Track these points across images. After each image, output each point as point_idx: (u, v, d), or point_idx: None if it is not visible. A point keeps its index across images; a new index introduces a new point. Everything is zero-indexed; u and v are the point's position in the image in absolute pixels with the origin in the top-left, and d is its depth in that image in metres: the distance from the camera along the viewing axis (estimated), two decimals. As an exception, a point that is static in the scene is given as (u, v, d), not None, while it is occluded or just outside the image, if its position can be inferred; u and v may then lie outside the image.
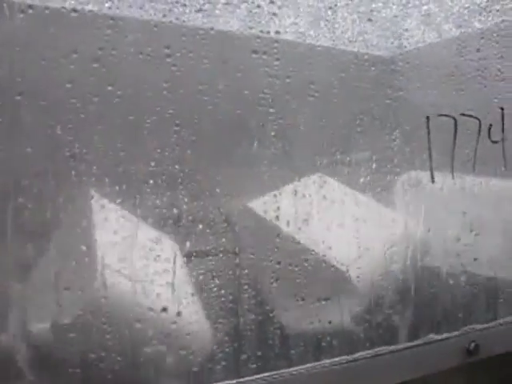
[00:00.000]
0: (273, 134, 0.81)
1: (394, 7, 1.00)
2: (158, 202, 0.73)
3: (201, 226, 0.76)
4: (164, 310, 0.71)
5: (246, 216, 0.81)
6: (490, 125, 1.04)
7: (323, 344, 0.87)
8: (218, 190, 0.78)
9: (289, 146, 0.82)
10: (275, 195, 0.82)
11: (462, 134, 1.00)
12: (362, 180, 0.91)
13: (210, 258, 0.77)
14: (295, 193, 0.83)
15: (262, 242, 0.82)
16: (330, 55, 0.88)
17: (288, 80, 0.83)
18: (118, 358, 0.70)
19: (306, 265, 0.84)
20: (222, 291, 0.78)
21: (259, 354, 0.81)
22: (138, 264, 0.71)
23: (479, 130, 1.02)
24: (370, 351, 0.92)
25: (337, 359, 0.88)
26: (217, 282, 0.78)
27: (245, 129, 0.80)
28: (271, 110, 0.81)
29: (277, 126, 0.81)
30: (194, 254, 0.76)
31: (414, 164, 0.97)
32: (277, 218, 0.82)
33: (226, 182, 0.79)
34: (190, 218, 0.75)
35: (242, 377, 0.79)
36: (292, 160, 0.83)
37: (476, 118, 1.02)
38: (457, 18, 1.10)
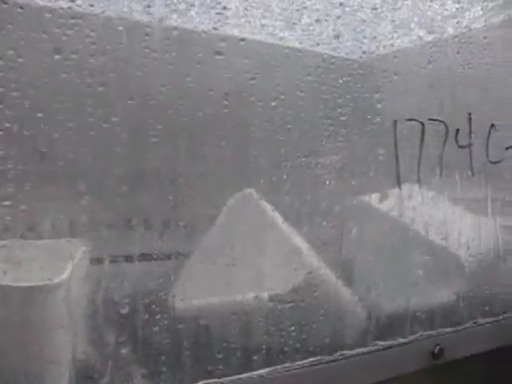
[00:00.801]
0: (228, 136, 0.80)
1: (365, 11, 1.01)
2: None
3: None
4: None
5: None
6: (457, 130, 1.05)
7: (285, 348, 0.87)
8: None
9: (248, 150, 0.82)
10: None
11: (430, 138, 1.01)
12: (327, 184, 0.91)
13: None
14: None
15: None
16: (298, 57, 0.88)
17: (253, 82, 0.82)
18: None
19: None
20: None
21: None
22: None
23: (446, 135, 1.03)
24: (332, 355, 0.92)
25: (300, 362, 0.88)
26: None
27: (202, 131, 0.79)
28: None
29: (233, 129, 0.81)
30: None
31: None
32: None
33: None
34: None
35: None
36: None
37: (443, 122, 1.03)
38: (427, 24, 1.11)
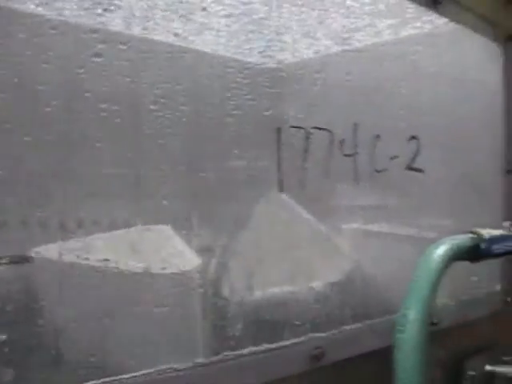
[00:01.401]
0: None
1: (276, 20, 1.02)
2: None
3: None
4: None
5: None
6: (343, 139, 1.08)
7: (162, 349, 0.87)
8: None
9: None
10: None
11: (315, 146, 1.03)
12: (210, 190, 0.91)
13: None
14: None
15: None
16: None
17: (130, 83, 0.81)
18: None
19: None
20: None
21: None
22: None
23: (331, 143, 1.05)
24: (215, 357, 0.93)
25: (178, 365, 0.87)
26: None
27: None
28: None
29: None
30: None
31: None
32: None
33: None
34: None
35: None
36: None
37: (329, 130, 1.05)
38: (334, 36, 1.13)
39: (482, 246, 1.00)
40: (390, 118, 1.19)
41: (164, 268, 0.84)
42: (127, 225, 0.82)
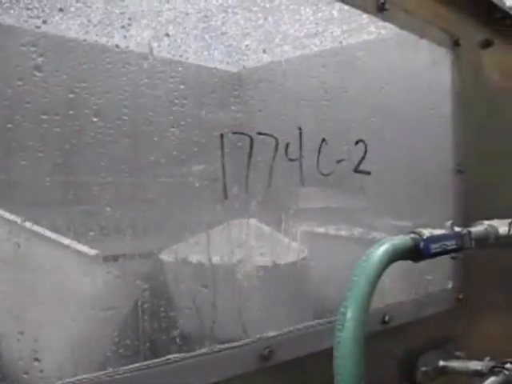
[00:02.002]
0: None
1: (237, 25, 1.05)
2: None
3: None
4: None
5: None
6: (288, 143, 1.10)
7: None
8: None
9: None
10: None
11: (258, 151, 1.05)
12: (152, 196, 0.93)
13: None
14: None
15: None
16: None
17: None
18: None
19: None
20: None
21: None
22: None
23: (276, 149, 1.08)
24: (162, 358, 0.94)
25: (127, 367, 0.89)
26: None
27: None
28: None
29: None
30: None
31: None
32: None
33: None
34: None
35: None
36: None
37: (273, 136, 1.08)
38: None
39: (421, 245, 1.03)
40: (336, 122, 1.22)
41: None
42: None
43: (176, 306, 0.97)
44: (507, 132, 1.86)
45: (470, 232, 1.14)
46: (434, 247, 1.05)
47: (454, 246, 1.09)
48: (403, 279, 1.47)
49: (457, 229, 1.16)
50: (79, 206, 0.84)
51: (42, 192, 0.80)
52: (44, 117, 0.79)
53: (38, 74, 0.79)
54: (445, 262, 1.55)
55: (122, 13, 0.90)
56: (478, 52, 1.78)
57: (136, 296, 0.90)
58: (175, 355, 0.96)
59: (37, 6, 0.80)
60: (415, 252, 1.05)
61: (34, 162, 0.79)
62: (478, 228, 1.21)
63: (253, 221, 1.04)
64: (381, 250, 0.97)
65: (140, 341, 0.91)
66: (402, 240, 1.03)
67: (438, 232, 1.11)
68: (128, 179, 0.89)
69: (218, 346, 1.03)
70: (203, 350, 1.00)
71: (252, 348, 1.08)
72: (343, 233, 1.25)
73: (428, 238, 1.04)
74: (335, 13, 1.29)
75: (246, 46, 1.08)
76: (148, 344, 0.92)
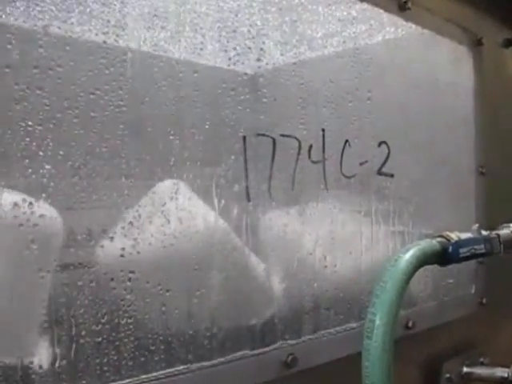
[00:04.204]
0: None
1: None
2: None
3: None
4: None
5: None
6: (311, 145, 1.08)
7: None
8: None
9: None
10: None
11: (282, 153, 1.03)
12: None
13: None
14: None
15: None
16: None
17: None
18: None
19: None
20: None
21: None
22: None
23: (299, 151, 1.06)
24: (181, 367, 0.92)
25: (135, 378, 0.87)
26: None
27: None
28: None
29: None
30: None
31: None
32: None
33: None
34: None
35: None
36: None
37: (296, 138, 1.05)
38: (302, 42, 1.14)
39: (450, 249, 1.00)
40: (359, 124, 1.20)
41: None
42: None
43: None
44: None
45: (498, 235, 1.11)
46: (463, 251, 1.02)
47: (483, 251, 1.06)
48: (426, 283, 1.44)
49: (484, 232, 1.13)
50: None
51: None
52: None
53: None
54: (467, 265, 1.52)
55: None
56: (500, 51, 1.74)
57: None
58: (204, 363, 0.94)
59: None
60: (443, 256, 1.02)
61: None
62: (506, 231, 1.18)
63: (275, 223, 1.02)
64: (408, 255, 0.95)
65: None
66: (429, 244, 1.00)
67: (467, 236, 1.08)
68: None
69: (240, 353, 1.00)
70: (225, 359, 0.98)
71: (274, 355, 1.05)
72: (368, 235, 1.22)
73: (457, 242, 1.01)
74: (355, 12, 1.27)
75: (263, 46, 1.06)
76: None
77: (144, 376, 0.85)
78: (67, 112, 0.78)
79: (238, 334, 1.00)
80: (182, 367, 0.90)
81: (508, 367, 1.47)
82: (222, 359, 0.97)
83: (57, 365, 0.77)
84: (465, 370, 1.56)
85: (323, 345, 1.12)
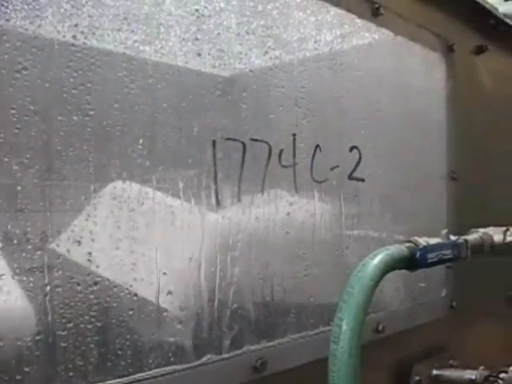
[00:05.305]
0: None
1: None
2: None
3: None
4: None
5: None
6: (281, 150, 1.08)
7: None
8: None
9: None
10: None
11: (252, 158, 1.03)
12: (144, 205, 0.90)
13: None
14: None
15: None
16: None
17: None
18: None
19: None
20: None
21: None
22: None
23: (269, 155, 1.06)
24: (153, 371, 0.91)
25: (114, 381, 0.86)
26: None
27: None
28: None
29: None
30: None
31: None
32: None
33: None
34: None
35: None
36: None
37: (266, 142, 1.05)
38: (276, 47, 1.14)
39: (417, 255, 1.01)
40: (330, 129, 1.20)
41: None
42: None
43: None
44: (501, 138, 1.85)
45: (466, 241, 1.12)
46: (431, 256, 1.03)
47: (450, 256, 1.07)
48: (396, 287, 1.46)
49: (452, 237, 1.14)
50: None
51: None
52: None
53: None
54: (438, 269, 1.53)
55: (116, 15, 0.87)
56: (471, 58, 1.77)
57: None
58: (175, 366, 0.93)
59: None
60: (411, 261, 1.03)
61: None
62: (474, 236, 1.19)
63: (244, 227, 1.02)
64: (376, 260, 0.95)
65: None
66: (397, 249, 1.01)
67: (434, 241, 1.09)
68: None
69: (210, 358, 1.00)
70: (193, 364, 0.98)
71: (243, 359, 1.05)
72: (337, 240, 1.22)
73: (424, 248, 1.02)
74: (329, 17, 1.27)
75: (239, 50, 1.05)
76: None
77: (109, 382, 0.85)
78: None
79: (205, 338, 1.00)
80: (145, 373, 0.89)
81: (476, 369, 1.49)
82: (188, 364, 0.97)
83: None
84: (434, 372, 1.58)
85: (293, 349, 1.12)
